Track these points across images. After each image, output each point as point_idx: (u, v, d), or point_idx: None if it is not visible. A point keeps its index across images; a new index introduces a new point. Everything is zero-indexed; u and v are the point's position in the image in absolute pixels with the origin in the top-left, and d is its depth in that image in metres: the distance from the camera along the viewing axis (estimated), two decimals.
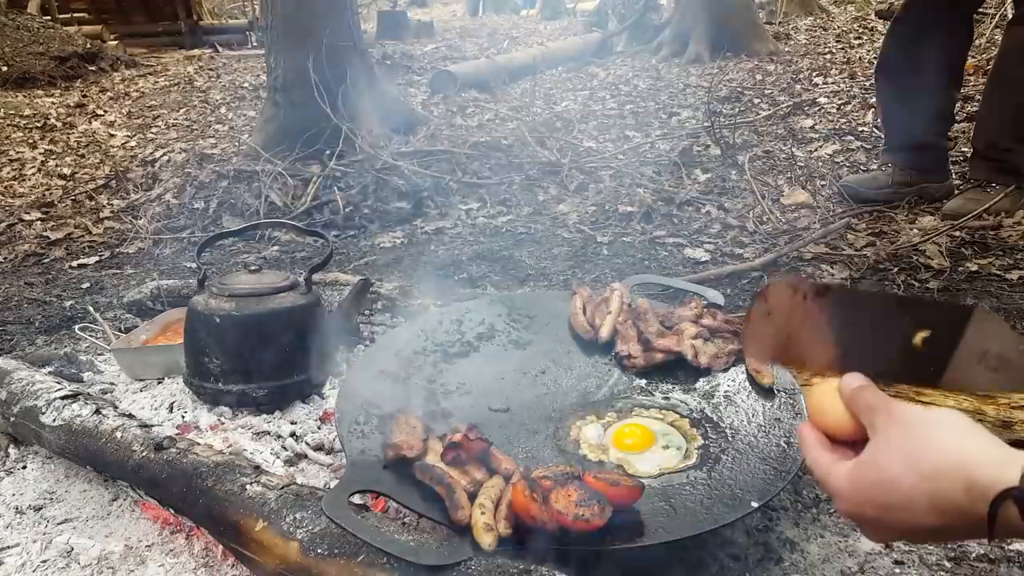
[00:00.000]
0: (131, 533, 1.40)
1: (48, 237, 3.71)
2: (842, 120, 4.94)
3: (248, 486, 1.22)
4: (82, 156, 5.42)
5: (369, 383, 1.50)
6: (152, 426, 1.46)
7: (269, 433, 1.59)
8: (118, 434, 1.41)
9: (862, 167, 4.04)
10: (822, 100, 5.55)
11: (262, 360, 1.66)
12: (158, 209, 3.86)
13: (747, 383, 1.50)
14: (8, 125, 6.61)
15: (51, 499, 1.52)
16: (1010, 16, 3.20)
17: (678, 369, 1.58)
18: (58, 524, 1.45)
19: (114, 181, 4.39)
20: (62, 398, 1.54)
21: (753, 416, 1.40)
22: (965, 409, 1.51)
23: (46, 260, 3.45)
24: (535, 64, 8.10)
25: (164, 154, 4.82)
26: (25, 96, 8.19)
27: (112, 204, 4.10)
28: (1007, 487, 0.62)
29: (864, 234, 3.06)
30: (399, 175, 3.91)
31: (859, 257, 2.79)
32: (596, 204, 3.69)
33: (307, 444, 1.55)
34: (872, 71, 4.35)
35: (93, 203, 4.15)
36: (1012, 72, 2.96)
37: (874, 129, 4.56)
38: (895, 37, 3.29)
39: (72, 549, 1.37)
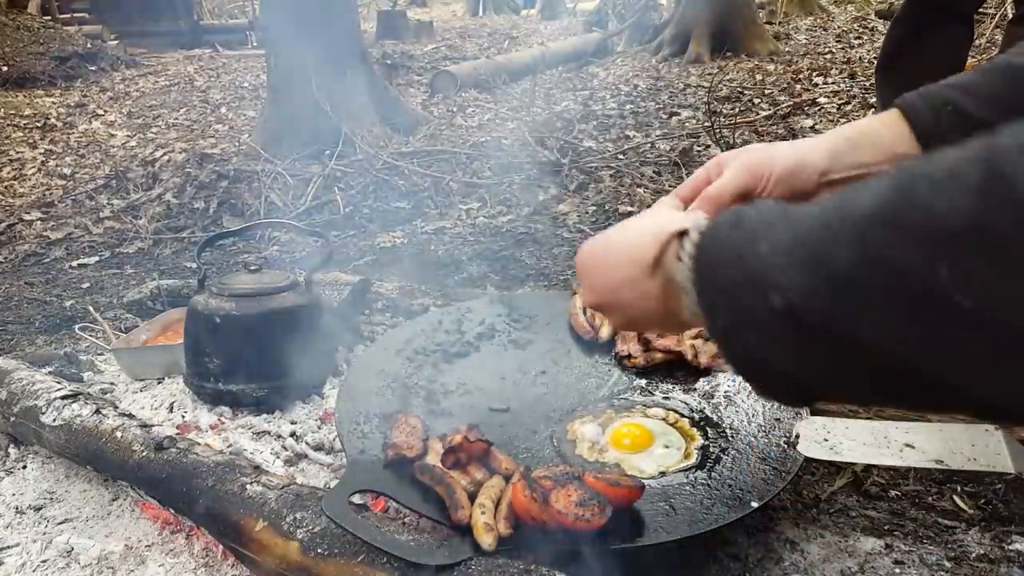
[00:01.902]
0: (131, 533, 1.40)
1: (48, 237, 3.71)
2: (842, 120, 4.94)
3: (248, 486, 1.22)
4: (82, 156, 5.42)
5: (369, 383, 1.50)
6: (152, 426, 1.46)
7: (269, 433, 1.59)
8: (118, 434, 1.41)
9: None
10: (822, 100, 5.55)
11: (262, 360, 1.66)
12: (158, 209, 3.87)
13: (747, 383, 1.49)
14: (8, 125, 6.61)
15: (51, 499, 1.52)
16: (1010, 16, 3.20)
17: (678, 369, 1.58)
18: (58, 524, 1.45)
19: (114, 181, 4.40)
20: (62, 398, 1.54)
21: (753, 416, 1.40)
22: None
23: (46, 260, 3.46)
24: (535, 64, 8.11)
25: (164, 154, 4.82)
26: (25, 96, 8.19)
27: (112, 204, 4.10)
28: (680, 230, 0.71)
29: None
30: (399, 175, 3.91)
31: None
32: (596, 204, 3.69)
33: (307, 444, 1.55)
34: (872, 71, 4.35)
35: (93, 203, 4.16)
36: None
37: None
38: (895, 37, 3.28)
39: (72, 549, 1.37)
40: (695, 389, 1.53)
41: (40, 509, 1.49)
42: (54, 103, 7.69)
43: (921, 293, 0.42)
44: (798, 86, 6.29)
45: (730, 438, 1.36)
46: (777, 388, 0.62)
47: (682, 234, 0.71)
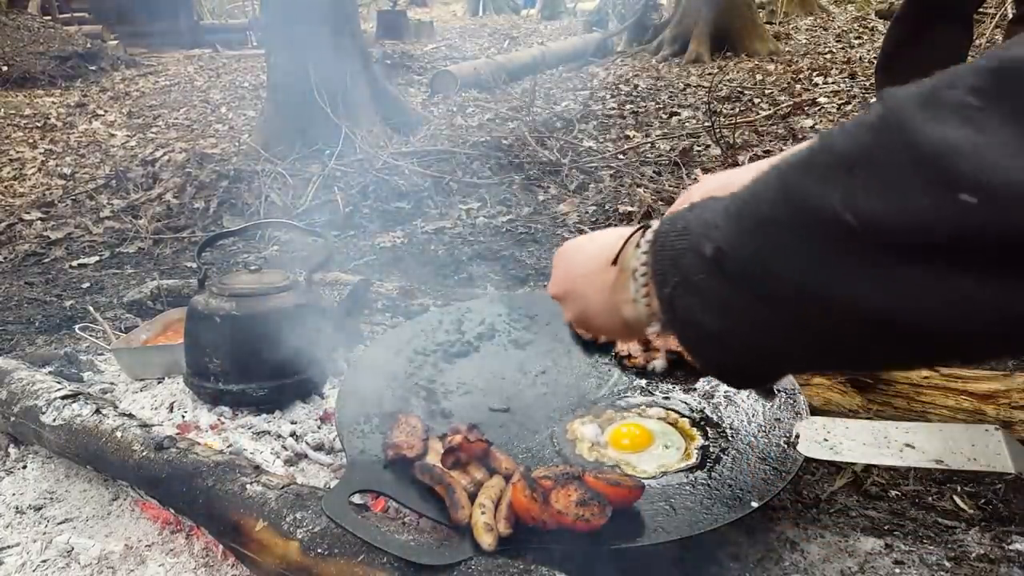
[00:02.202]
0: (131, 533, 1.40)
1: (48, 237, 3.71)
2: (842, 120, 4.94)
3: (248, 486, 1.22)
4: (82, 156, 5.42)
5: (369, 383, 1.50)
6: (152, 426, 1.46)
7: (269, 433, 1.59)
8: (118, 434, 1.41)
9: None
10: (822, 100, 5.55)
11: (262, 360, 1.66)
12: (158, 209, 3.86)
13: None
14: (8, 125, 6.61)
15: (51, 499, 1.52)
16: (1010, 16, 3.20)
17: (678, 369, 1.58)
18: (58, 524, 1.45)
19: (114, 181, 4.40)
20: (62, 398, 1.54)
21: (753, 416, 1.40)
22: (965, 409, 1.51)
23: (46, 260, 3.46)
24: (535, 64, 8.11)
25: (164, 154, 4.82)
26: (25, 96, 8.19)
27: (112, 204, 4.10)
28: (644, 226, 0.75)
29: None
30: (399, 175, 3.91)
31: None
32: (596, 204, 3.69)
33: (307, 444, 1.55)
34: (872, 71, 4.35)
35: (93, 203, 4.15)
36: None
37: None
38: (894, 37, 3.28)
39: (72, 549, 1.37)
40: (695, 389, 1.53)
41: (40, 509, 1.49)
42: (54, 103, 7.69)
43: (820, 219, 0.49)
44: (798, 86, 6.29)
45: (730, 438, 1.37)
46: (713, 355, 0.67)
47: (645, 229, 0.76)
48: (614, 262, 0.81)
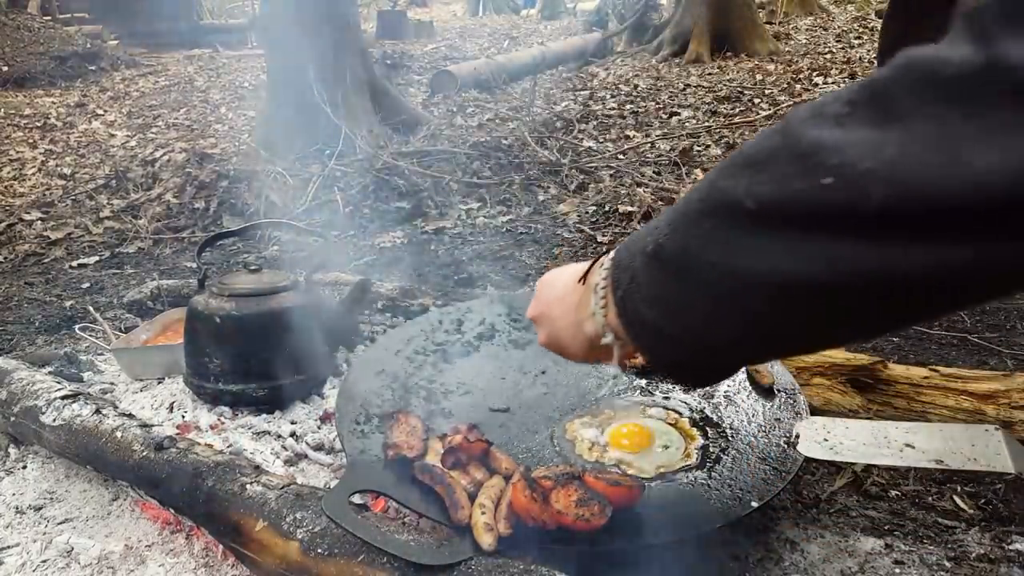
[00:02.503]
0: (131, 533, 1.40)
1: (48, 237, 3.71)
2: None
3: (248, 486, 1.22)
4: (82, 156, 5.42)
5: (369, 383, 1.50)
6: (152, 426, 1.46)
7: (269, 433, 1.59)
8: (118, 434, 1.41)
9: None
10: None
11: (262, 360, 1.66)
12: (158, 209, 3.87)
13: (747, 383, 1.50)
14: (8, 125, 6.61)
15: (51, 499, 1.52)
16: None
17: None
18: (58, 524, 1.45)
19: (114, 181, 4.40)
20: (62, 398, 1.54)
21: (753, 416, 1.40)
22: (965, 409, 1.51)
23: (46, 260, 3.46)
24: (535, 64, 8.11)
25: (164, 154, 4.82)
26: (25, 96, 8.19)
27: (112, 204, 4.10)
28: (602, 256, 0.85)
29: None
30: (399, 175, 3.91)
31: None
32: (596, 204, 3.69)
33: (307, 444, 1.55)
34: (872, 70, 4.35)
35: (93, 203, 4.16)
36: None
37: None
38: (887, 34, 3.31)
39: (72, 549, 1.37)
40: (695, 389, 1.53)
41: (40, 509, 1.49)
42: (54, 103, 7.69)
43: (729, 205, 0.60)
44: (798, 86, 6.29)
45: (730, 438, 1.37)
46: (659, 349, 0.74)
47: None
48: (582, 280, 0.89)
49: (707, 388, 1.52)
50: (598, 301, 0.84)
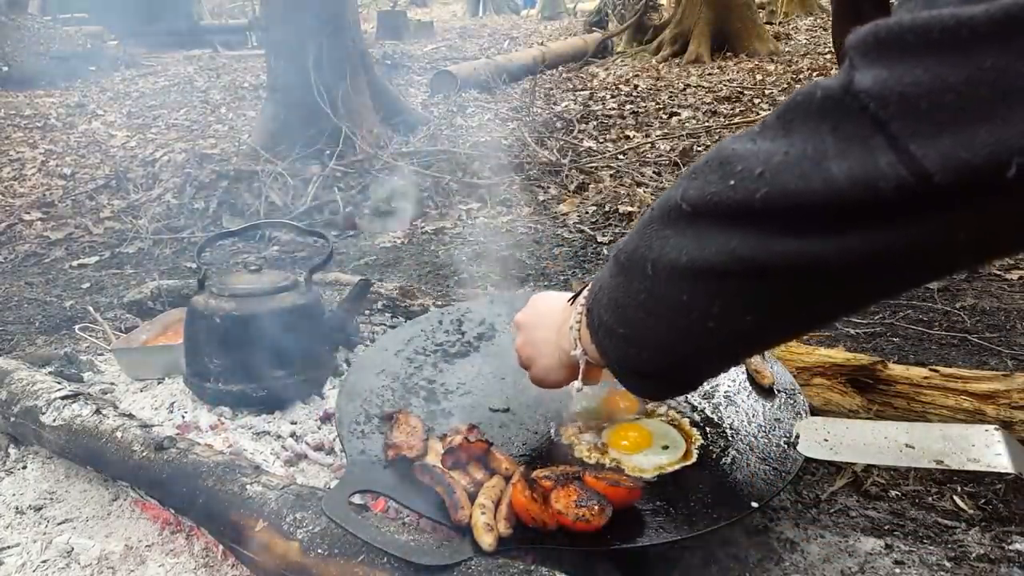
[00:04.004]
0: (131, 533, 1.40)
1: (48, 237, 3.71)
2: None
3: (248, 486, 1.22)
4: (82, 156, 5.42)
5: (369, 383, 1.50)
6: (152, 426, 1.46)
7: (269, 433, 1.59)
8: (118, 434, 1.41)
9: None
10: None
11: (262, 360, 1.66)
12: (158, 209, 3.87)
13: (747, 383, 1.50)
14: (8, 125, 6.61)
15: (51, 499, 1.52)
16: None
17: None
18: (58, 524, 1.45)
19: (114, 181, 4.40)
20: (62, 398, 1.54)
21: (753, 416, 1.40)
22: (965, 409, 1.51)
23: (46, 260, 3.46)
24: (535, 64, 8.11)
25: (164, 154, 4.82)
26: (25, 96, 8.19)
27: (112, 204, 4.10)
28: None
29: None
30: (399, 175, 3.91)
31: None
32: (596, 204, 3.69)
33: (307, 444, 1.55)
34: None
35: (93, 203, 4.16)
36: None
37: None
38: (836, 39, 3.48)
39: (72, 549, 1.37)
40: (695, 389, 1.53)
41: (40, 509, 1.49)
42: (54, 103, 7.69)
43: (670, 207, 0.71)
44: (798, 86, 6.28)
45: (730, 438, 1.36)
46: (621, 355, 0.82)
47: None
48: (571, 300, 0.95)
49: (706, 388, 1.52)
50: (576, 317, 0.92)
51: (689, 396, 1.51)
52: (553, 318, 1.04)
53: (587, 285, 0.92)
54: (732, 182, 0.63)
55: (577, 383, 1.06)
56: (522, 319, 1.13)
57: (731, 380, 1.52)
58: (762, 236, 0.62)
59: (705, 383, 1.52)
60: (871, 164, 0.54)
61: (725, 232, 0.64)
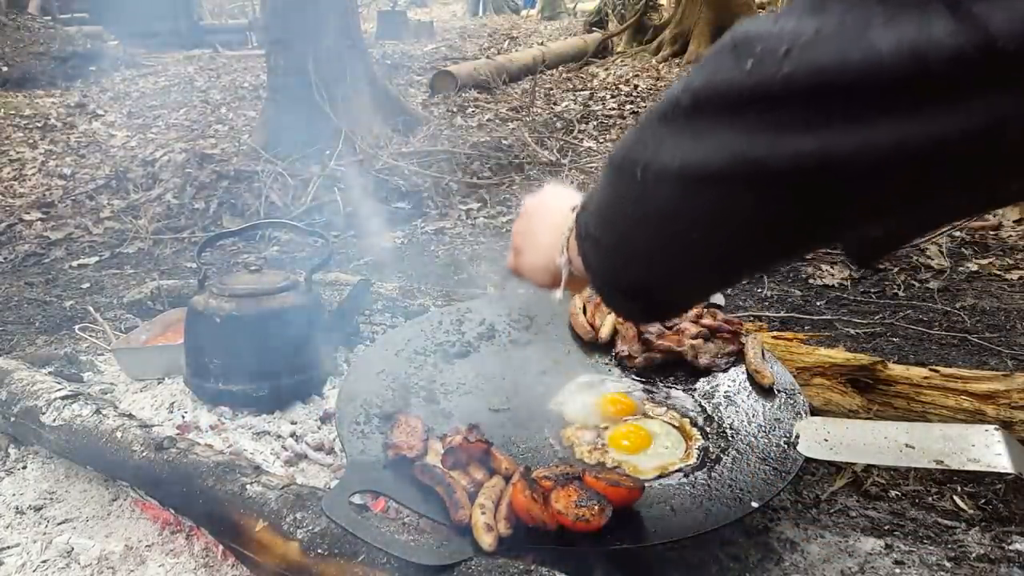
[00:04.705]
0: (131, 533, 1.40)
1: (48, 237, 3.71)
2: None
3: (248, 486, 1.22)
4: (82, 156, 5.42)
5: (369, 383, 1.50)
6: (152, 426, 1.46)
7: (269, 433, 1.59)
8: (118, 434, 1.41)
9: None
10: None
11: (262, 360, 1.66)
12: (158, 209, 3.86)
13: (747, 383, 1.50)
14: (8, 125, 6.61)
15: (51, 499, 1.52)
16: None
17: (678, 369, 1.58)
18: (58, 524, 1.45)
19: (114, 181, 4.39)
20: (62, 398, 1.54)
21: (753, 416, 1.40)
22: (965, 409, 1.51)
23: (46, 260, 3.45)
24: (535, 64, 8.11)
25: (164, 154, 4.82)
26: (25, 96, 8.19)
27: (112, 204, 4.10)
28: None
29: None
30: (399, 175, 3.91)
31: None
32: None
33: (307, 444, 1.55)
34: None
35: (93, 203, 4.15)
36: None
37: None
38: None
39: (72, 549, 1.37)
40: (695, 389, 1.53)
41: (40, 509, 1.49)
42: (54, 103, 7.69)
43: (672, 103, 0.62)
44: None
45: (730, 438, 1.36)
46: (598, 265, 0.78)
47: None
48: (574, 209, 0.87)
49: (706, 388, 1.52)
50: (570, 224, 0.84)
51: (689, 396, 1.52)
52: (554, 217, 0.94)
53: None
54: (747, 65, 0.55)
55: (558, 292, 0.99)
56: (529, 206, 1.03)
57: (731, 380, 1.52)
58: (773, 131, 0.54)
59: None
60: (924, 32, 0.47)
61: (729, 128, 0.57)
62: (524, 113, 5.80)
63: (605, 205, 0.73)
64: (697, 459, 1.32)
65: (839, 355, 1.66)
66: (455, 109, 6.25)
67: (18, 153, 5.57)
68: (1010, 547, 1.29)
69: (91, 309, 2.43)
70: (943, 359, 2.08)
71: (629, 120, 5.60)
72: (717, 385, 1.52)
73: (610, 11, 11.56)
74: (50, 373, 1.82)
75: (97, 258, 3.42)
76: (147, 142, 5.72)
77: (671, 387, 1.55)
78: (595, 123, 5.52)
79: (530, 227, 1.01)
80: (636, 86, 7.11)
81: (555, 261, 0.92)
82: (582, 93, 6.89)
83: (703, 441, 1.37)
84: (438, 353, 1.65)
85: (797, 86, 0.52)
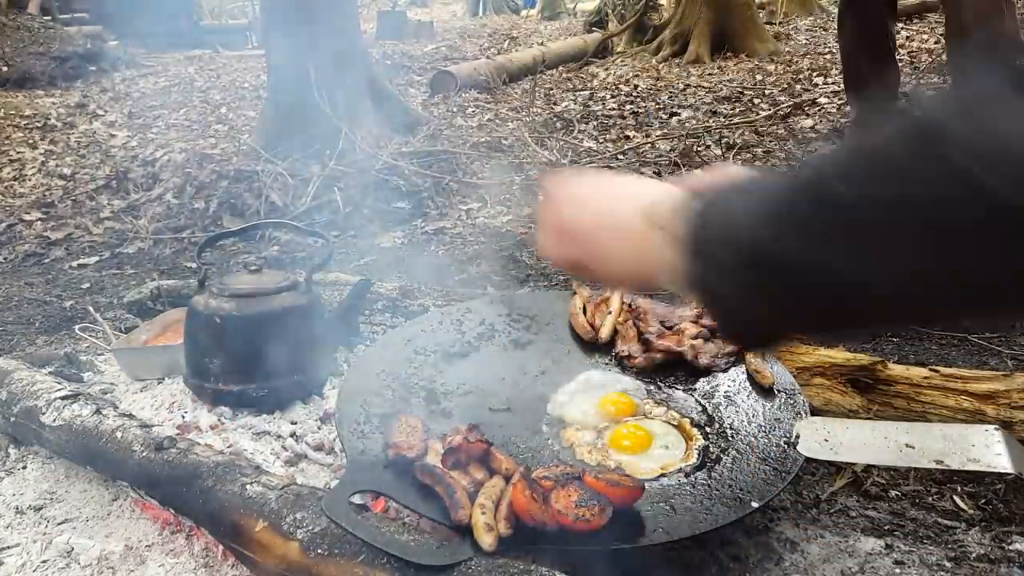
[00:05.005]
0: (131, 533, 1.40)
1: (48, 237, 3.71)
2: (842, 120, 4.94)
3: (248, 486, 1.22)
4: (82, 156, 5.42)
5: (369, 383, 1.50)
6: (152, 426, 1.46)
7: (269, 433, 1.59)
8: (118, 434, 1.41)
9: None
10: (822, 100, 5.55)
11: (262, 360, 1.66)
12: (158, 209, 3.86)
13: (747, 383, 1.50)
14: (8, 125, 6.61)
15: (51, 499, 1.52)
16: None
17: (678, 369, 1.58)
18: (58, 524, 1.45)
19: (114, 181, 4.39)
20: (62, 398, 1.54)
21: (753, 416, 1.40)
22: (965, 409, 1.51)
23: (46, 260, 3.45)
24: (535, 64, 8.11)
25: (164, 154, 4.82)
26: (25, 96, 8.18)
27: (112, 204, 4.10)
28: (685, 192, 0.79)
29: None
30: (399, 175, 3.91)
31: None
32: None
33: (307, 444, 1.55)
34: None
35: (93, 203, 4.15)
36: None
37: None
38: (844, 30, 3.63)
39: (72, 549, 1.37)
40: (695, 389, 1.53)
41: (40, 509, 1.49)
42: (54, 103, 7.68)
43: (831, 199, 0.61)
44: (798, 86, 6.28)
45: (730, 438, 1.37)
46: (726, 324, 0.76)
47: (686, 198, 0.77)
48: (644, 217, 0.80)
49: (706, 388, 1.53)
50: (665, 247, 0.75)
51: (689, 396, 1.52)
52: (625, 228, 0.82)
53: (663, 191, 0.81)
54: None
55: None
56: (581, 192, 0.91)
57: (731, 380, 1.52)
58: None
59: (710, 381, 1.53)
60: None
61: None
62: (524, 113, 5.80)
63: (751, 293, 0.67)
64: (697, 459, 1.32)
65: (839, 355, 1.66)
66: (455, 109, 6.25)
67: (18, 153, 5.57)
68: (1010, 547, 1.29)
69: (91, 309, 2.43)
70: (943, 359, 2.08)
71: (629, 120, 5.60)
72: (717, 385, 1.52)
73: (610, 11, 11.55)
74: (50, 373, 1.82)
75: (97, 258, 3.42)
76: (147, 142, 5.71)
77: (671, 387, 1.55)
78: (595, 123, 5.52)
79: (596, 221, 0.87)
80: (636, 86, 7.11)
81: (653, 272, 0.79)
82: (582, 93, 6.89)
83: (703, 441, 1.37)
84: (438, 353, 1.65)
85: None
